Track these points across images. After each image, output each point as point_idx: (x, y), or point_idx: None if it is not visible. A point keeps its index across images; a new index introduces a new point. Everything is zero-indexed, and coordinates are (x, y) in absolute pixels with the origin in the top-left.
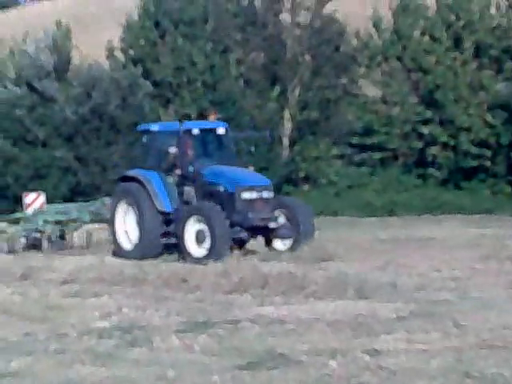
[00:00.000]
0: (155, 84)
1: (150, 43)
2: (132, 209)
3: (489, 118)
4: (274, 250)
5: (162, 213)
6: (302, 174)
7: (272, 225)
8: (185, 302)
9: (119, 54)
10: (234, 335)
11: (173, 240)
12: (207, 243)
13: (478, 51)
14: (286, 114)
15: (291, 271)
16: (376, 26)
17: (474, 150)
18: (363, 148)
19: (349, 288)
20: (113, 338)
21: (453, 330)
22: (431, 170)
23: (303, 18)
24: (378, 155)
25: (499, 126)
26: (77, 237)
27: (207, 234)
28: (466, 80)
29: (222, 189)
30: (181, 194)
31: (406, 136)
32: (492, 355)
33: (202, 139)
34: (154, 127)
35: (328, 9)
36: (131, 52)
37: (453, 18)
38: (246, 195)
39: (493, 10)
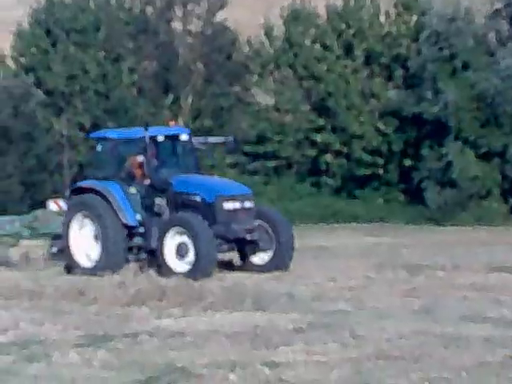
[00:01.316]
0: (47, 93)
1: (41, 51)
2: (90, 222)
3: (380, 125)
4: (252, 264)
5: (126, 226)
6: None
7: (255, 236)
8: (83, 316)
9: (10, 63)
10: (133, 349)
11: (143, 255)
12: (190, 257)
13: (369, 59)
14: (180, 122)
15: (188, 282)
16: (267, 34)
17: (367, 157)
18: (257, 156)
19: (246, 299)
20: (10, 353)
21: (350, 341)
22: (325, 178)
23: (195, 26)
24: (271, 163)
25: (391, 134)
26: (14, 253)
27: (190, 247)
28: (358, 88)
29: (198, 199)
30: (149, 205)
31: (299, 144)
32: (389, 365)
33: (165, 146)
34: (113, 134)
35: (219, 17)
36: (23, 60)
37: (343, 26)
38: (229, 205)
39: (382, 19)
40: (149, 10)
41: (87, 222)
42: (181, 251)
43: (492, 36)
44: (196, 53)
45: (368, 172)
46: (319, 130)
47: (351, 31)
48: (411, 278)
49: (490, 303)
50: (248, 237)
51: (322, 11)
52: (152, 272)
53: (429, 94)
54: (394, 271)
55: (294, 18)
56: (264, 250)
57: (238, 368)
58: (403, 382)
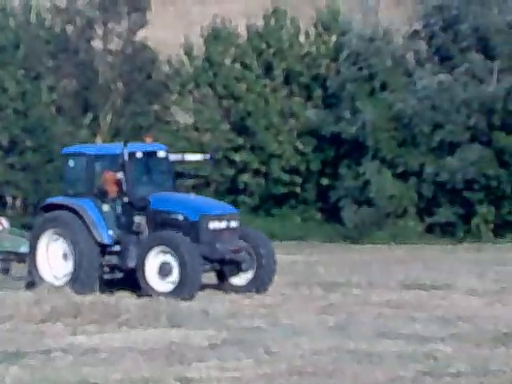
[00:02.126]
0: None
1: None
2: (62, 240)
3: (299, 144)
4: (230, 285)
5: (100, 244)
6: None
7: (240, 257)
8: None
9: None
10: (46, 365)
11: (118, 274)
12: (174, 277)
13: (288, 78)
14: (98, 141)
15: (103, 300)
16: (187, 53)
17: (285, 176)
18: (176, 175)
19: (161, 316)
20: None
21: (264, 357)
22: (242, 197)
23: (115, 44)
24: (190, 182)
25: (309, 153)
26: None
27: (174, 266)
28: (277, 107)
29: (180, 217)
30: (126, 223)
31: (218, 163)
32: (303, 382)
33: (142, 163)
34: (89, 150)
35: (140, 36)
36: None
37: (263, 45)
38: (214, 225)
39: (302, 38)
40: (69, 28)
41: (57, 239)
42: (164, 271)
43: (410, 56)
44: (116, 71)
45: (285, 191)
46: (238, 149)
47: (271, 51)
48: (327, 295)
49: (404, 320)
50: (233, 257)
51: (242, 31)
52: (67, 289)
53: (347, 114)
54: (310, 288)
55: (215, 37)
56: (245, 271)
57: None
58: None
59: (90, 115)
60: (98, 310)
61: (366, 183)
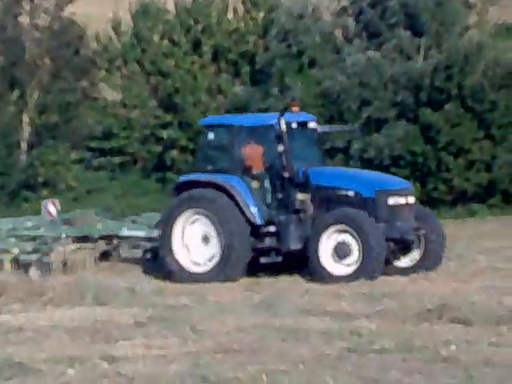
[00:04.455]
0: None
1: None
2: (202, 222)
3: None
4: (395, 267)
5: (252, 225)
6: (40, 179)
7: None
8: None
9: None
10: None
11: (278, 258)
12: (352, 258)
13: (217, 55)
14: (25, 118)
15: (29, 279)
16: (115, 29)
17: None
18: (102, 152)
19: (87, 294)
20: None
21: (190, 335)
22: (170, 174)
23: (42, 20)
24: (117, 159)
25: None
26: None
27: (354, 247)
28: (205, 84)
29: (351, 193)
30: (284, 201)
31: (146, 140)
32: (228, 359)
33: (297, 134)
34: (236, 120)
35: (68, 11)
36: None
37: (191, 22)
38: (392, 201)
39: (230, 15)
40: None
41: (197, 220)
42: (341, 252)
43: (339, 33)
44: (43, 47)
45: None
46: (166, 125)
47: (199, 27)
48: (254, 273)
49: (330, 297)
50: (414, 237)
51: (171, 7)
52: None
53: (275, 91)
54: None
55: (143, 13)
56: (413, 252)
57: (77, 363)
58: (241, 375)
59: (16, 92)
60: (22, 289)
61: None
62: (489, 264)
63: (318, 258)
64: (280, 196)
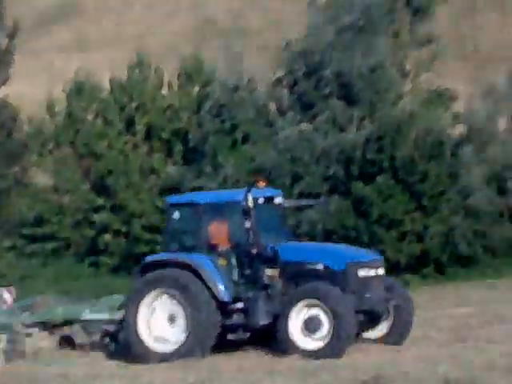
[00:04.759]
0: None
1: None
2: (168, 302)
3: (159, 202)
4: (364, 339)
5: (219, 303)
6: None
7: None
8: None
9: None
10: None
11: (245, 335)
12: (322, 332)
13: (150, 134)
14: None
15: None
16: (49, 109)
17: (146, 235)
18: (35, 238)
19: (22, 381)
20: None
21: None
22: (103, 258)
23: None
24: (50, 245)
25: None
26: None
27: (324, 321)
28: (137, 164)
29: (320, 267)
30: (252, 277)
31: (78, 224)
32: None
33: (263, 210)
34: (202, 198)
35: (1, 92)
36: None
37: (126, 99)
38: (362, 273)
39: (165, 91)
40: None
41: (164, 300)
42: (311, 326)
43: (272, 105)
44: None
45: (147, 250)
46: (98, 209)
47: (134, 105)
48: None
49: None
50: (383, 308)
51: (106, 84)
52: None
53: (208, 169)
54: None
55: (78, 91)
56: (381, 323)
57: None
58: None
59: None
60: None
61: None
62: (424, 334)
63: (287, 332)
64: (248, 272)
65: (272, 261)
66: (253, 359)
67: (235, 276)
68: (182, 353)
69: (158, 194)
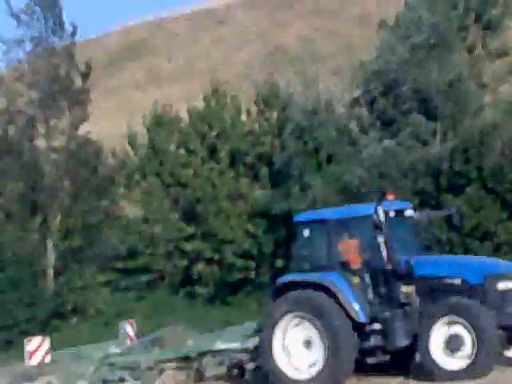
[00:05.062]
0: None
1: None
2: (303, 325)
3: (250, 227)
4: (505, 357)
5: (356, 325)
6: (69, 306)
7: None
8: None
9: None
10: None
11: (385, 357)
12: (465, 352)
13: (234, 159)
14: (49, 244)
15: None
16: (131, 143)
17: (239, 262)
18: (128, 272)
19: None
20: None
21: None
22: (198, 288)
23: (58, 141)
24: (144, 278)
25: (261, 235)
26: None
27: (467, 339)
28: (225, 190)
29: (457, 281)
30: (388, 295)
31: (171, 255)
32: None
33: (394, 223)
34: (330, 214)
35: (82, 130)
36: None
37: (206, 127)
38: (502, 286)
39: (244, 117)
40: (11, 129)
41: (300, 323)
42: (453, 345)
43: (353, 125)
44: (61, 169)
45: (240, 276)
46: (189, 238)
47: (214, 133)
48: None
49: None
50: None
51: (184, 114)
52: None
53: (296, 190)
54: None
55: (157, 124)
56: None
57: None
58: None
59: (39, 217)
60: None
61: None
62: None
63: (428, 353)
64: (383, 290)
65: (406, 276)
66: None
67: (370, 295)
68: (321, 379)
69: (248, 219)
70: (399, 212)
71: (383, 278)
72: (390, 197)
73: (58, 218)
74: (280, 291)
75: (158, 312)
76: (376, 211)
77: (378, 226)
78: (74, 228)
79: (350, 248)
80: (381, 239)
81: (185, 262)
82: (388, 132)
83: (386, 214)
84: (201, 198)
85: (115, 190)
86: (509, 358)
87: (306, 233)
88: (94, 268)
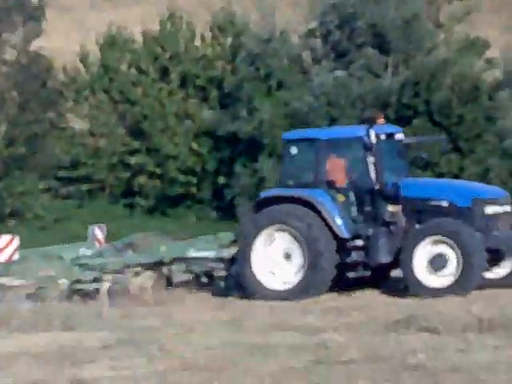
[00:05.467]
0: None
1: None
2: (284, 238)
3: (194, 145)
4: (486, 279)
5: (338, 240)
6: (8, 210)
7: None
8: None
9: None
10: None
11: (366, 272)
12: (449, 270)
13: (185, 81)
14: None
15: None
16: (83, 60)
17: (181, 177)
18: (70, 181)
19: (54, 320)
20: None
21: (157, 355)
22: (138, 199)
23: (9, 55)
24: (85, 187)
25: (205, 154)
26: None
27: (451, 258)
28: (173, 110)
29: (445, 204)
30: (373, 214)
31: (114, 167)
32: (195, 376)
33: (384, 146)
34: (320, 134)
35: (35, 45)
36: None
37: (159, 50)
38: (489, 210)
39: (198, 42)
40: None
41: (280, 236)
42: (437, 264)
43: (306, 55)
44: (11, 81)
45: (181, 191)
46: (134, 152)
47: (167, 55)
48: (223, 292)
49: (298, 312)
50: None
51: (138, 37)
52: None
53: (243, 113)
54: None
55: (110, 44)
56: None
57: None
58: None
59: None
60: None
61: (262, 180)
62: None
63: (412, 270)
64: (368, 209)
65: (393, 198)
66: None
67: (354, 213)
68: (299, 291)
69: (194, 138)
70: (390, 135)
71: (369, 198)
72: (380, 120)
73: (4, 126)
74: (264, 205)
75: (98, 220)
76: (368, 133)
77: (368, 148)
78: (19, 137)
79: (336, 166)
80: (370, 161)
81: (127, 175)
82: (340, 63)
83: (378, 136)
84: (148, 115)
85: (63, 104)
86: (489, 279)
87: (294, 150)
88: (36, 175)
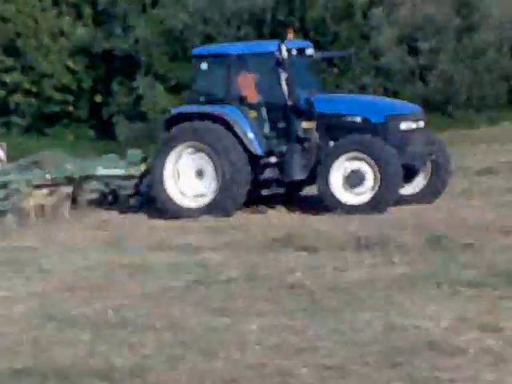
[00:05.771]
0: None
1: None
2: (195, 155)
3: (70, 63)
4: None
5: (252, 157)
6: None
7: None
8: None
9: None
10: None
11: (280, 189)
12: (365, 187)
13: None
14: None
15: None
16: None
17: (57, 95)
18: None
19: None
20: None
21: (36, 275)
22: (14, 118)
23: None
24: None
25: (81, 72)
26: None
27: (369, 175)
28: (47, 26)
29: (358, 119)
30: (286, 130)
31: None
32: (74, 296)
33: (296, 61)
34: (230, 49)
35: None
36: None
37: None
38: (403, 125)
39: None
40: None
41: (193, 154)
42: (354, 181)
43: None
44: None
45: (58, 109)
46: (8, 70)
47: None
48: (95, 213)
49: (177, 232)
50: (424, 164)
51: None
52: None
53: (119, 31)
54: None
55: None
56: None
57: None
58: (87, 311)
59: None
60: None
61: (139, 98)
62: None
63: (328, 187)
64: (281, 125)
65: (307, 114)
66: (162, 220)
67: (267, 129)
68: (212, 208)
69: (69, 56)
70: (301, 50)
71: (282, 114)
72: (290, 35)
73: None
74: (174, 122)
75: None
76: (279, 48)
77: (280, 63)
78: None
79: (248, 82)
80: (283, 76)
81: (3, 93)
82: None
83: (289, 51)
84: (22, 32)
85: None
86: (403, 196)
87: (204, 66)
88: None
